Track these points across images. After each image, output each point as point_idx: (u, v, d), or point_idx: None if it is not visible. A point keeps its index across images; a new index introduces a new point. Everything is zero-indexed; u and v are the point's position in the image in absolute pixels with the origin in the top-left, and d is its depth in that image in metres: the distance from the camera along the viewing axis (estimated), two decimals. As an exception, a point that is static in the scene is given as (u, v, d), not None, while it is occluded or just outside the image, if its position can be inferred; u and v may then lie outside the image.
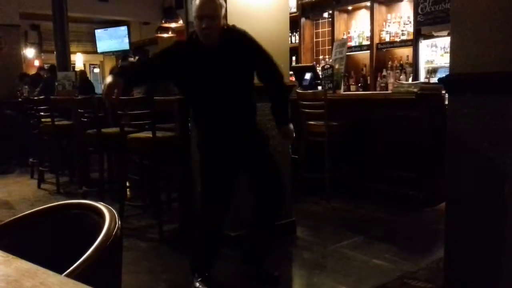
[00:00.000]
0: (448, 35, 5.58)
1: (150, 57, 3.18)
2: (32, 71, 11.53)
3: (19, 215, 1.41)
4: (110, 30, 13.98)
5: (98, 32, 14.15)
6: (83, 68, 14.70)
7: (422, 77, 6.66)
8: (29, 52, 13.77)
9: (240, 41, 2.90)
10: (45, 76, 9.21)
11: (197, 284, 3.01)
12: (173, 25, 9.93)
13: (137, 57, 8.35)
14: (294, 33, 8.44)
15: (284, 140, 3.34)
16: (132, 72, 3.14)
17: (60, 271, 0.93)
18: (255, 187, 3.07)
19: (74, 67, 13.14)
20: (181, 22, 9.35)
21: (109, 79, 2.76)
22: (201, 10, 2.74)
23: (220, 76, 2.83)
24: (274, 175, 3.05)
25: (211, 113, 2.93)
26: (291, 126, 3.11)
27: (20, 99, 8.49)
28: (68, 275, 0.96)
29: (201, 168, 3.07)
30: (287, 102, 3.18)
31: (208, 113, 2.95)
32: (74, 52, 13.64)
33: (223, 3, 2.81)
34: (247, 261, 3.23)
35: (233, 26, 2.98)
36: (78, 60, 15.02)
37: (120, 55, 12.06)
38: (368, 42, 7.37)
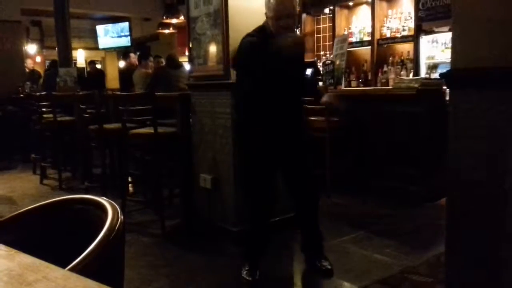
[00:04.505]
0: (449, 30, 5.58)
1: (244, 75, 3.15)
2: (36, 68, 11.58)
3: (21, 210, 1.41)
4: (112, 26, 13.94)
5: (100, 28, 14.11)
6: (84, 65, 14.69)
7: (423, 73, 6.66)
8: (31, 48, 13.74)
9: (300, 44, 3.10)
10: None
11: (244, 273, 3.11)
12: (174, 21, 9.92)
13: (138, 53, 8.37)
14: (295, 29, 8.42)
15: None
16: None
17: (63, 266, 0.94)
18: (290, 188, 3.26)
19: (75, 63, 13.15)
20: (182, 18, 9.33)
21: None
22: (280, 10, 2.83)
23: (285, 71, 2.94)
24: (308, 179, 3.22)
25: (271, 106, 3.01)
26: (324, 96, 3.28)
27: (22, 95, 8.51)
28: (71, 269, 0.96)
29: (248, 163, 3.19)
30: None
31: (268, 105, 3.02)
32: (76, 48, 13.61)
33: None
34: (305, 249, 3.38)
35: None
36: (80, 56, 14.99)
37: (122, 51, 12.06)
38: (369, 38, 7.37)
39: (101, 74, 11.31)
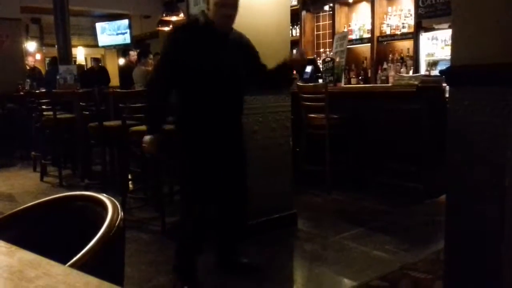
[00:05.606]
0: (449, 27, 5.58)
1: (156, 76, 3.06)
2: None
3: (22, 207, 1.42)
4: (111, 23, 13.92)
5: (99, 26, 14.10)
6: (84, 62, 14.69)
7: (423, 70, 6.66)
8: (31, 46, 13.74)
9: (242, 38, 3.05)
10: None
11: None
12: (174, 18, 9.91)
13: (137, 51, 8.37)
14: (295, 26, 8.42)
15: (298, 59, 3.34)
16: (156, 117, 3.16)
17: (63, 262, 0.95)
18: (221, 200, 3.11)
19: (75, 61, 13.15)
20: (182, 15, 9.33)
21: (146, 139, 3.03)
22: None
23: (226, 65, 2.86)
24: (241, 195, 3.10)
25: (209, 106, 2.85)
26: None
27: (22, 93, 8.51)
28: (71, 266, 0.97)
29: (190, 167, 3.03)
30: None
31: (206, 105, 2.85)
32: (75, 46, 13.61)
33: None
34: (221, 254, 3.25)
35: None
36: (79, 53, 14.99)
37: (121, 48, 12.05)
38: (369, 35, 7.36)
39: (105, 71, 11.33)
